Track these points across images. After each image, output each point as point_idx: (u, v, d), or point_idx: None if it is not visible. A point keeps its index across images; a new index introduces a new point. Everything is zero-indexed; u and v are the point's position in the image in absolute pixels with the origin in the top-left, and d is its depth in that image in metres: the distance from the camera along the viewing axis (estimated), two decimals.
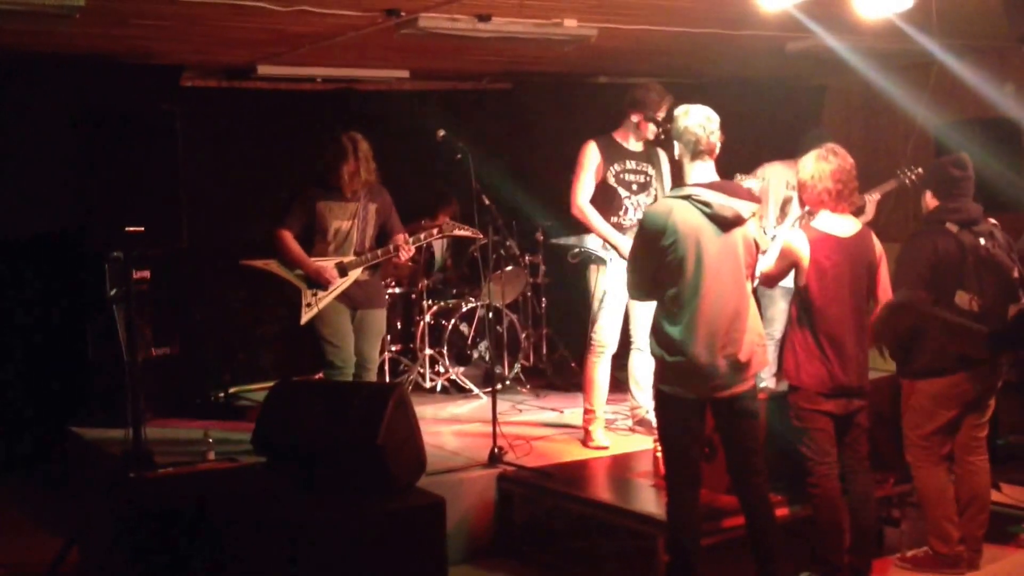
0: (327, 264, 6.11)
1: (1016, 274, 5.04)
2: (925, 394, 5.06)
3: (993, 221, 5.17)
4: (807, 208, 5.15)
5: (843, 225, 4.90)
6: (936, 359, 5.00)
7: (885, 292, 4.93)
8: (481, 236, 6.47)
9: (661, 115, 6.13)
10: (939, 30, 6.06)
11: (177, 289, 7.38)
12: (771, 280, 5.06)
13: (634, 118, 6.25)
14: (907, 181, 6.48)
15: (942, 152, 6.93)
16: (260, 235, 6.33)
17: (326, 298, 6.09)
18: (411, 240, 6.25)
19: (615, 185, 6.22)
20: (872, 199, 6.68)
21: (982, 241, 5.00)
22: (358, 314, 6.24)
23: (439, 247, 8.58)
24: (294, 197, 6.18)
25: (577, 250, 6.27)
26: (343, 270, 6.14)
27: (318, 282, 6.08)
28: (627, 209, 6.23)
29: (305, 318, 6.09)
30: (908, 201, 7.25)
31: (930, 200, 5.16)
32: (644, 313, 5.93)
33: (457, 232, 6.55)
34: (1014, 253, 5.12)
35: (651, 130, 6.20)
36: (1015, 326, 5.00)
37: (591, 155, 6.22)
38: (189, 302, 7.69)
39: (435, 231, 6.51)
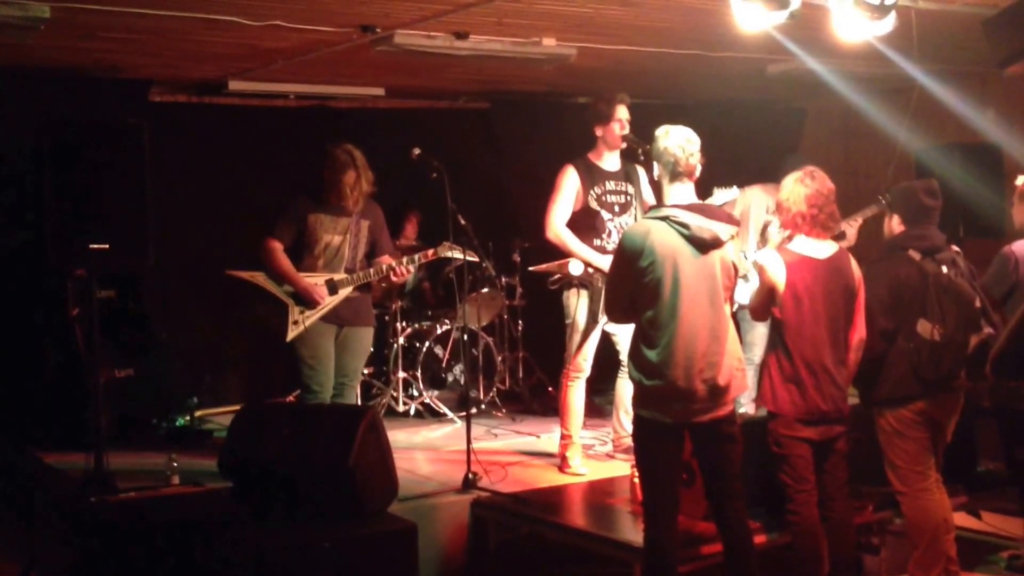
0: (317, 281, 6.01)
1: (978, 303, 5.00)
2: (895, 421, 5.00)
3: (956, 249, 5.14)
4: (787, 232, 5.08)
5: (819, 247, 4.85)
6: (897, 388, 4.96)
7: (861, 320, 4.88)
8: (475, 258, 6.35)
9: (621, 113, 6.12)
10: (920, 54, 6.04)
11: (142, 308, 7.25)
12: (757, 312, 4.97)
13: (598, 132, 6.21)
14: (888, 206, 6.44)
15: (923, 176, 6.90)
16: (230, 253, 6.22)
17: (314, 316, 6.01)
18: (405, 261, 6.16)
19: (597, 208, 6.16)
20: (853, 224, 6.64)
21: (944, 269, 4.97)
22: (343, 331, 6.16)
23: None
24: (285, 208, 6.08)
25: (557, 276, 6.18)
26: (333, 288, 6.05)
27: (308, 300, 5.97)
28: (611, 232, 6.17)
29: (291, 335, 6.01)
30: None
31: (896, 225, 5.13)
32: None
33: (451, 254, 6.38)
34: (976, 282, 5.09)
35: (616, 132, 6.14)
36: (976, 356, 4.95)
37: (569, 179, 6.17)
38: (155, 322, 7.56)
39: (430, 252, 6.35)
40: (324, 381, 6.06)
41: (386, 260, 6.21)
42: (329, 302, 6.03)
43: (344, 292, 6.07)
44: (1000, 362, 4.93)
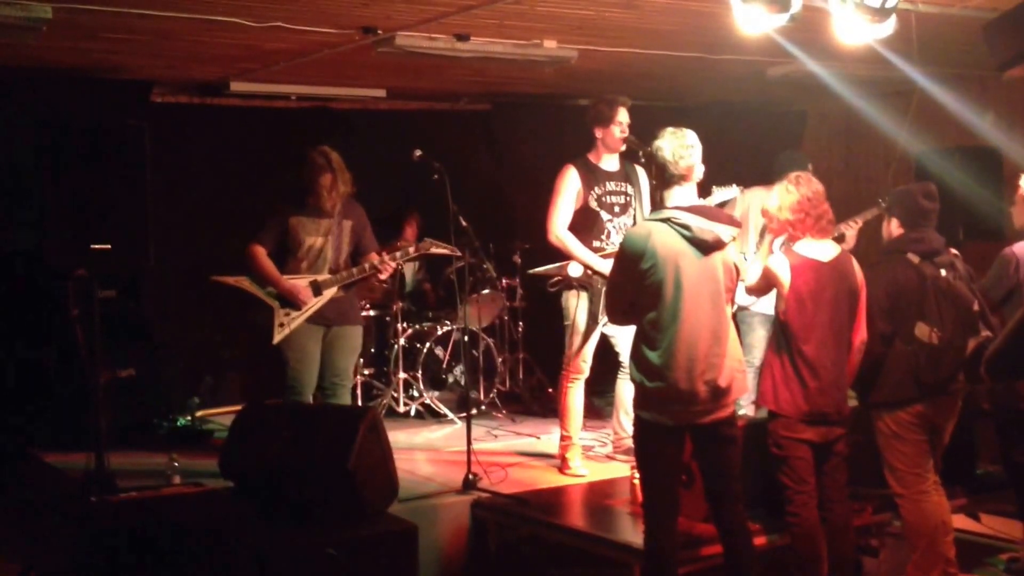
0: (301, 283, 6.04)
1: (976, 307, 5.00)
2: (894, 424, 5.01)
3: (954, 252, 5.15)
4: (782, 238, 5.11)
5: (823, 249, 4.86)
6: (896, 390, 4.97)
7: (863, 322, 4.89)
8: (458, 253, 6.39)
9: (622, 116, 6.13)
10: (920, 57, 6.04)
11: (143, 309, 7.24)
12: (753, 291, 5.02)
13: (597, 133, 6.21)
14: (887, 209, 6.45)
15: (922, 179, 6.91)
16: (230, 254, 6.22)
17: (299, 318, 6.05)
18: (388, 258, 6.18)
19: (597, 209, 6.16)
20: (853, 227, 6.64)
21: (943, 272, 4.97)
22: (331, 331, 6.19)
23: (410, 269, 8.48)
24: (269, 214, 6.13)
25: (557, 278, 6.18)
26: (317, 289, 6.07)
27: (292, 301, 6.00)
28: (610, 233, 6.17)
29: (278, 338, 6.05)
30: None
31: (895, 228, 5.14)
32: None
33: (435, 250, 6.44)
34: (975, 285, 5.10)
35: (616, 135, 6.15)
36: (974, 359, 4.96)
37: (570, 180, 6.16)
38: (155, 322, 7.55)
39: (412, 249, 6.40)
40: (307, 381, 6.11)
41: (373, 258, 6.24)
42: (314, 303, 6.06)
43: (329, 293, 6.10)
44: (993, 362, 4.93)
